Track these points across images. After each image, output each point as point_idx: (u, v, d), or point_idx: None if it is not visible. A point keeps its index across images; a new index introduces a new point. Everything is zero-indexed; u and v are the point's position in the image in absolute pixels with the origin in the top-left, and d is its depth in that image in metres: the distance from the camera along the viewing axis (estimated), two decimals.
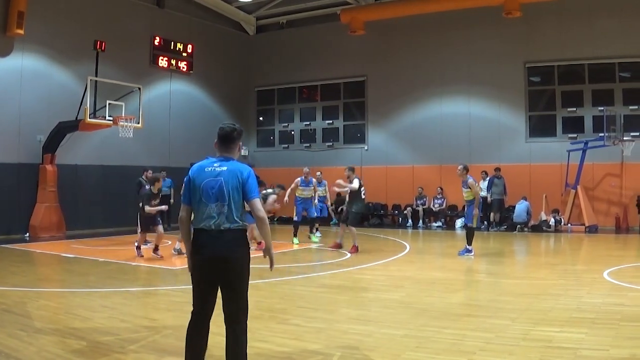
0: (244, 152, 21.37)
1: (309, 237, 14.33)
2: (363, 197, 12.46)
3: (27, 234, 15.25)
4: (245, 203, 4.03)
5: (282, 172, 19.89)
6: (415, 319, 6.11)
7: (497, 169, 17.73)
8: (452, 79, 19.61)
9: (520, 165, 18.28)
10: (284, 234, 15.16)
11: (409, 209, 19.67)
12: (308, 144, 22.58)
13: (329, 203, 16.83)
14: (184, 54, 20.59)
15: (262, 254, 4.19)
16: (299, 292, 7.95)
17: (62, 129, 15.52)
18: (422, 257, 11.90)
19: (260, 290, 7.69)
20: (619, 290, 7.65)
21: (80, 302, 7.13)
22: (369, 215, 19.85)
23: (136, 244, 11.42)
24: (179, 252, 11.24)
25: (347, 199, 12.71)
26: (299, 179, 14.34)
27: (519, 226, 17.09)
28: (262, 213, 3.97)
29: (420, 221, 19.36)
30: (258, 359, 4.68)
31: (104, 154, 17.51)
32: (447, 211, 19.29)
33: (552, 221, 16.82)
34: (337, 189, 12.64)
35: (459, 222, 18.03)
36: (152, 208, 10.97)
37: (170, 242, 12.52)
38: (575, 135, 17.82)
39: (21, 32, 15.24)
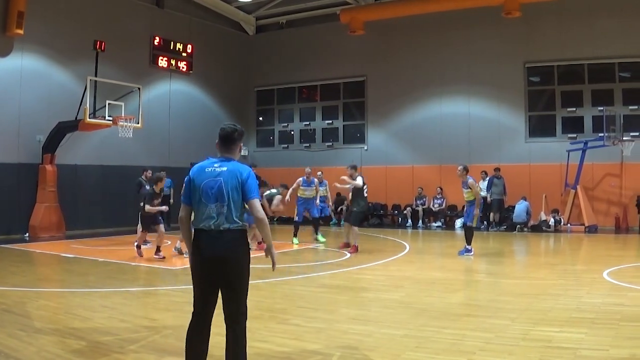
0: (243, 152, 21.36)
1: (316, 239, 14.30)
2: (365, 195, 12.46)
3: (27, 234, 15.26)
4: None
5: (281, 172, 19.90)
6: (415, 319, 6.11)
7: (497, 169, 17.73)
8: (452, 79, 19.61)
9: (520, 165, 18.28)
10: (284, 234, 15.17)
11: (408, 209, 19.68)
12: (308, 144, 22.58)
13: (330, 203, 16.83)
14: (184, 54, 20.59)
15: (263, 254, 4.20)
16: (298, 292, 7.95)
17: (62, 129, 15.52)
18: (421, 257, 11.90)
19: (260, 290, 7.69)
20: (619, 290, 7.65)
21: (80, 302, 7.13)
22: (368, 216, 19.85)
23: (136, 243, 11.43)
24: (180, 252, 11.26)
25: (350, 196, 12.67)
26: (300, 179, 14.34)
27: (518, 226, 17.09)
28: (261, 214, 3.97)
29: (420, 221, 19.36)
30: (258, 359, 4.68)
31: (104, 154, 17.51)
32: (446, 211, 19.29)
33: (551, 221, 16.82)
34: (339, 185, 12.60)
35: (458, 222, 18.02)
36: (152, 208, 10.98)
37: (170, 242, 12.52)
38: (575, 135, 17.83)
39: (21, 32, 15.23)
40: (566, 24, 17.95)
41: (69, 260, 11.13)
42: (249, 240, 4.21)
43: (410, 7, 18.94)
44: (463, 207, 14.11)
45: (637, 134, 16.93)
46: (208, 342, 4.02)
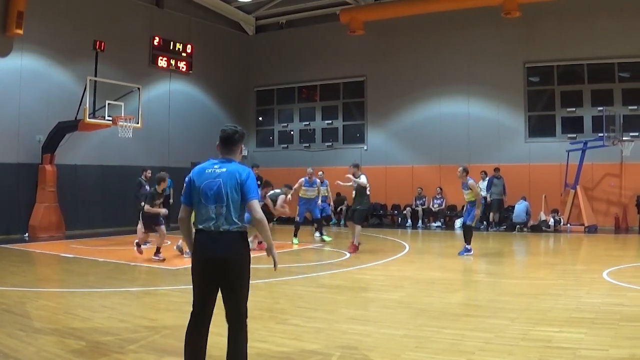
0: (243, 153, 21.33)
1: (322, 239, 14.28)
2: (368, 194, 12.42)
3: (27, 234, 15.25)
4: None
5: (281, 172, 19.87)
6: (415, 319, 6.11)
7: (497, 169, 17.73)
8: (451, 79, 19.61)
9: (520, 165, 18.28)
10: (284, 234, 15.17)
11: (408, 209, 19.67)
12: (307, 144, 22.58)
13: (331, 202, 16.83)
14: (184, 54, 20.59)
15: (263, 254, 4.20)
16: (298, 292, 7.94)
17: (62, 129, 15.52)
18: (421, 257, 11.90)
19: (260, 290, 7.69)
20: (619, 290, 7.65)
21: (80, 302, 7.13)
22: (368, 215, 19.82)
23: (136, 242, 11.42)
24: (181, 251, 11.27)
25: (353, 195, 12.61)
26: (302, 179, 14.34)
27: (518, 226, 17.09)
28: (260, 214, 3.96)
29: (420, 221, 19.37)
30: (258, 359, 4.68)
31: (104, 154, 17.50)
32: (446, 211, 19.29)
33: (551, 221, 16.82)
34: (343, 184, 12.55)
35: (458, 222, 18.00)
36: (152, 209, 10.97)
37: (169, 242, 12.52)
38: (574, 135, 17.83)
39: (20, 32, 15.22)
40: (566, 24, 17.96)
41: (69, 260, 11.12)
42: (249, 240, 4.21)
43: (410, 7, 18.95)
44: (463, 207, 14.11)
45: (636, 134, 16.94)
46: (207, 340, 4.03)
